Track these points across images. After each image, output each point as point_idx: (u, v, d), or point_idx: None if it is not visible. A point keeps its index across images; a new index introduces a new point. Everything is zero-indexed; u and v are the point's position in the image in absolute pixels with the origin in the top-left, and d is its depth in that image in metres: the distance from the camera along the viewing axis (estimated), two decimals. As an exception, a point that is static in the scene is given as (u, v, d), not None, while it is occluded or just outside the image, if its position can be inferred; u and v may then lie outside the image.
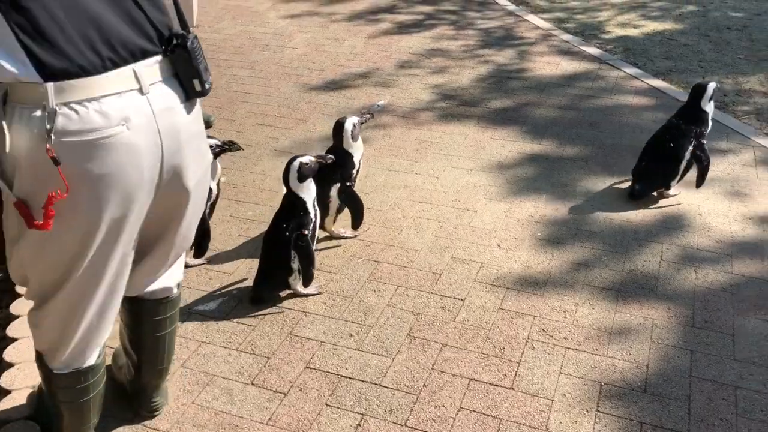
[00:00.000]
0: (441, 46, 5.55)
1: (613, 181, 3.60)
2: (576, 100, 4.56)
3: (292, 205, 2.70)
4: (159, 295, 2.00)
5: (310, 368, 2.43)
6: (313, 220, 2.72)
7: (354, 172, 3.05)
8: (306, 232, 2.67)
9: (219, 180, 2.98)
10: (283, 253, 2.67)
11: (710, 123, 3.41)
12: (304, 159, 2.68)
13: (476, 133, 4.14)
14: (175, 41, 1.63)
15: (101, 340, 1.85)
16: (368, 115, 3.10)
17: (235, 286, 2.86)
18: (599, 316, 2.68)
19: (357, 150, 3.04)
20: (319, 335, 2.58)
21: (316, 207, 2.75)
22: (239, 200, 3.46)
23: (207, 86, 1.69)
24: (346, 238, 3.14)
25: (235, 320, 2.66)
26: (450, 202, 3.45)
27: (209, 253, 3.00)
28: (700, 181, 3.39)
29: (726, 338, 2.58)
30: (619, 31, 5.98)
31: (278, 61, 5.28)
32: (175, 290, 2.05)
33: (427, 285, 2.85)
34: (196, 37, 1.66)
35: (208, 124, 4.17)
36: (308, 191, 2.70)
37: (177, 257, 1.97)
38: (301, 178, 2.67)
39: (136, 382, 2.14)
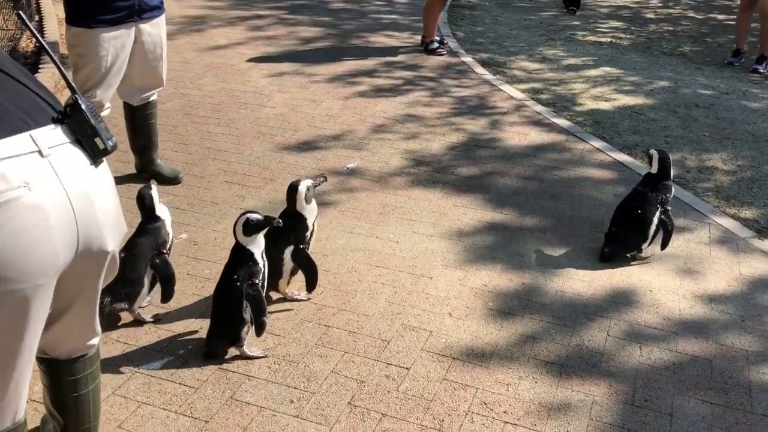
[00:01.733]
0: (416, 111, 5.68)
1: (567, 254, 3.66)
2: (540, 171, 4.67)
3: (240, 256, 2.75)
4: (75, 353, 1.99)
5: (247, 434, 2.43)
6: (262, 270, 2.76)
7: (308, 234, 3.11)
8: (257, 281, 2.71)
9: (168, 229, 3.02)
10: (235, 304, 2.70)
11: (673, 190, 3.67)
12: (252, 216, 2.74)
13: (440, 199, 4.22)
14: (68, 107, 1.68)
15: (15, 405, 1.83)
16: (321, 179, 3.18)
17: (184, 345, 2.86)
18: (541, 391, 2.70)
19: (310, 213, 3.11)
20: (260, 400, 2.58)
21: (264, 258, 2.80)
22: (198, 258, 3.49)
23: (110, 143, 1.72)
24: (299, 300, 3.17)
25: (178, 381, 2.66)
26: (407, 267, 3.49)
27: (158, 311, 3.02)
28: (664, 245, 3.57)
29: (664, 418, 2.60)
30: (592, 104, 6.14)
31: (255, 119, 5.38)
32: (93, 346, 2.04)
33: (374, 352, 2.87)
34: (89, 99, 1.71)
35: (176, 180, 4.24)
36: (256, 244, 2.76)
37: (93, 315, 1.98)
38: (248, 232, 2.72)
39: None
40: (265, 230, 2.77)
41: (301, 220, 3.07)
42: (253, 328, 2.75)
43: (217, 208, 4.01)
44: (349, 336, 2.96)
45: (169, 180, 4.23)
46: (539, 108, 5.89)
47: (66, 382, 2.00)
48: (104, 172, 1.78)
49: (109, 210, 1.75)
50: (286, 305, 3.15)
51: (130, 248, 2.92)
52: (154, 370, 2.72)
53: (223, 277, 2.77)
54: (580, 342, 2.99)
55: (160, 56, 3.93)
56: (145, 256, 2.90)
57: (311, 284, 3.15)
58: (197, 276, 3.34)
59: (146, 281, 2.92)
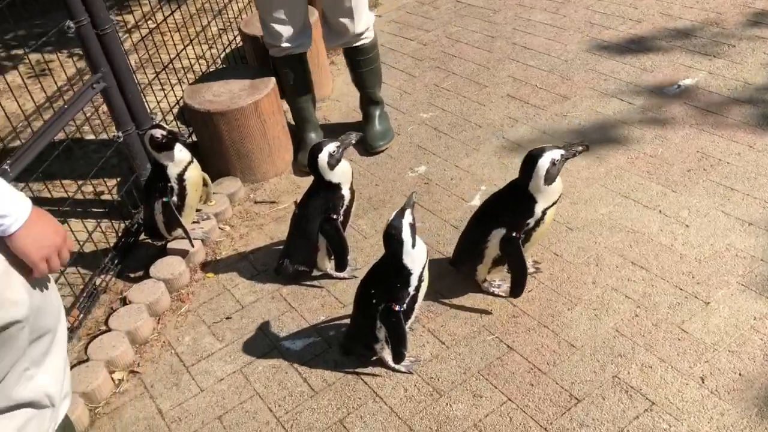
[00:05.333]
0: None
1: None
2: None
3: (391, 266, 2.05)
4: None
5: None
6: (412, 294, 2.05)
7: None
8: (396, 308, 2.02)
9: (351, 183, 2.46)
10: (370, 319, 2.09)
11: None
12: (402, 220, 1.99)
13: (803, 158, 2.69)
14: None
15: None
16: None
17: (339, 327, 2.38)
18: None
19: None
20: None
21: (423, 278, 2.06)
22: (424, 202, 2.85)
23: None
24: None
25: (304, 375, 2.21)
26: (678, 274, 2.31)
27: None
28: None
29: None
30: None
31: (593, 3, 4.18)
32: None
33: (548, 413, 1.96)
34: None
35: (373, 149, 3.30)
36: (413, 259, 2.02)
37: None
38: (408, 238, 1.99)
39: None
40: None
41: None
42: (389, 349, 2.12)
43: (475, 134, 3.24)
44: (528, 373, 2.08)
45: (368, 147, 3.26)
46: None
47: None
48: None
49: None
50: (475, 301, 2.37)
51: (301, 208, 2.48)
52: (293, 350, 2.32)
53: (367, 279, 2.15)
54: None
55: None
56: (315, 219, 2.43)
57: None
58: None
59: (321, 245, 2.48)
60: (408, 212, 1.97)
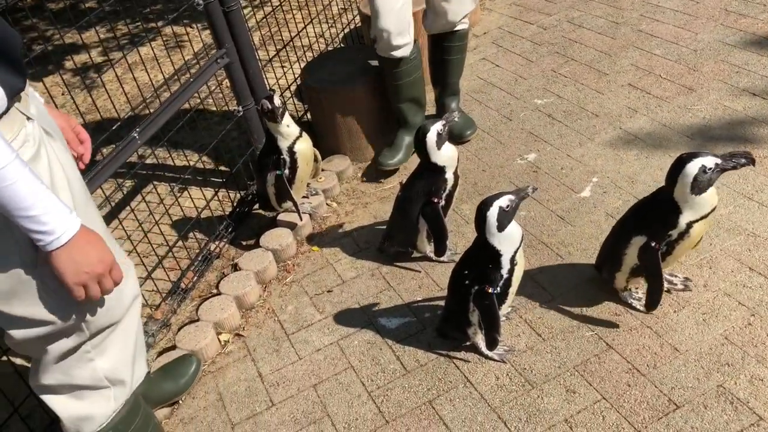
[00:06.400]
0: None
1: None
2: None
3: (484, 249, 2.04)
4: None
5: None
6: (505, 277, 2.02)
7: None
8: (490, 290, 2.02)
9: (456, 168, 2.45)
10: (462, 301, 2.10)
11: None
12: (505, 200, 1.96)
13: None
14: None
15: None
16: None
17: (435, 308, 2.41)
18: None
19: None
20: (454, 421, 2.01)
21: (517, 261, 2.03)
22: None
23: None
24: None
25: (398, 353, 2.26)
26: (804, 284, 2.15)
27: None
28: None
29: None
30: None
31: (732, -12, 3.92)
32: None
33: (644, 416, 1.89)
34: None
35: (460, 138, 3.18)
36: (508, 241, 2.00)
37: None
38: (501, 225, 1.97)
39: None
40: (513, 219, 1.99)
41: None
42: (482, 334, 2.11)
43: (591, 123, 3.13)
44: (626, 373, 2.02)
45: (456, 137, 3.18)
46: None
47: None
48: None
49: None
50: (577, 294, 2.32)
51: (405, 189, 2.51)
52: (389, 328, 2.37)
53: (461, 262, 2.14)
54: None
55: None
56: (417, 201, 2.46)
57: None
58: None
59: (422, 227, 2.50)
60: (507, 197, 1.95)
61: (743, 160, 1.89)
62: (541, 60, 3.70)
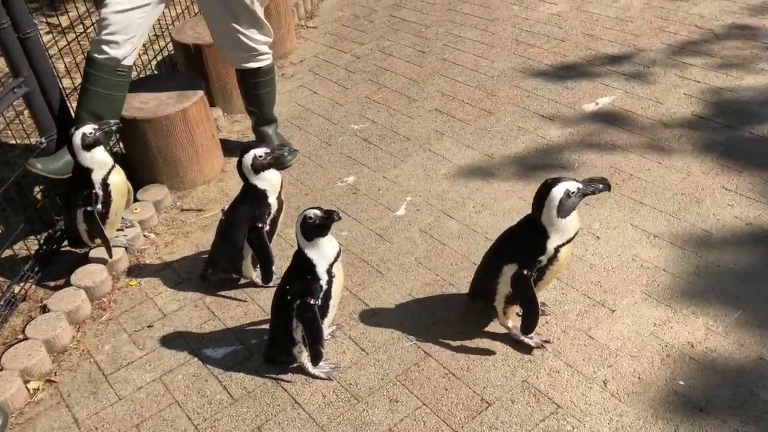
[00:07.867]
0: (752, 21, 3.97)
1: None
2: None
3: (299, 263, 2.10)
4: None
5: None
6: (324, 288, 2.09)
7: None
8: (311, 302, 2.06)
9: (280, 194, 2.49)
10: (286, 319, 2.13)
11: None
12: (312, 212, 2.04)
13: (704, 174, 2.86)
14: None
15: None
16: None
17: (261, 334, 2.41)
18: None
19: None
20: (282, 445, 2.03)
21: (333, 273, 2.11)
22: (350, 209, 2.91)
23: None
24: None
25: (224, 383, 2.22)
26: (586, 283, 2.42)
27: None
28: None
29: None
30: None
31: (521, 21, 4.34)
32: None
33: (459, 416, 2.03)
34: None
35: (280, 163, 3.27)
36: (319, 252, 2.07)
37: None
38: (308, 235, 2.05)
39: None
40: (328, 233, 2.07)
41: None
42: (306, 352, 2.16)
43: (403, 146, 3.32)
44: (443, 378, 2.16)
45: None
46: None
47: None
48: None
49: None
50: (398, 308, 2.44)
51: (228, 215, 2.50)
52: (214, 358, 2.34)
53: (282, 281, 2.18)
54: None
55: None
56: (241, 226, 2.46)
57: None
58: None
59: (246, 253, 2.50)
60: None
61: (601, 186, 2.02)
62: (356, 87, 3.86)
